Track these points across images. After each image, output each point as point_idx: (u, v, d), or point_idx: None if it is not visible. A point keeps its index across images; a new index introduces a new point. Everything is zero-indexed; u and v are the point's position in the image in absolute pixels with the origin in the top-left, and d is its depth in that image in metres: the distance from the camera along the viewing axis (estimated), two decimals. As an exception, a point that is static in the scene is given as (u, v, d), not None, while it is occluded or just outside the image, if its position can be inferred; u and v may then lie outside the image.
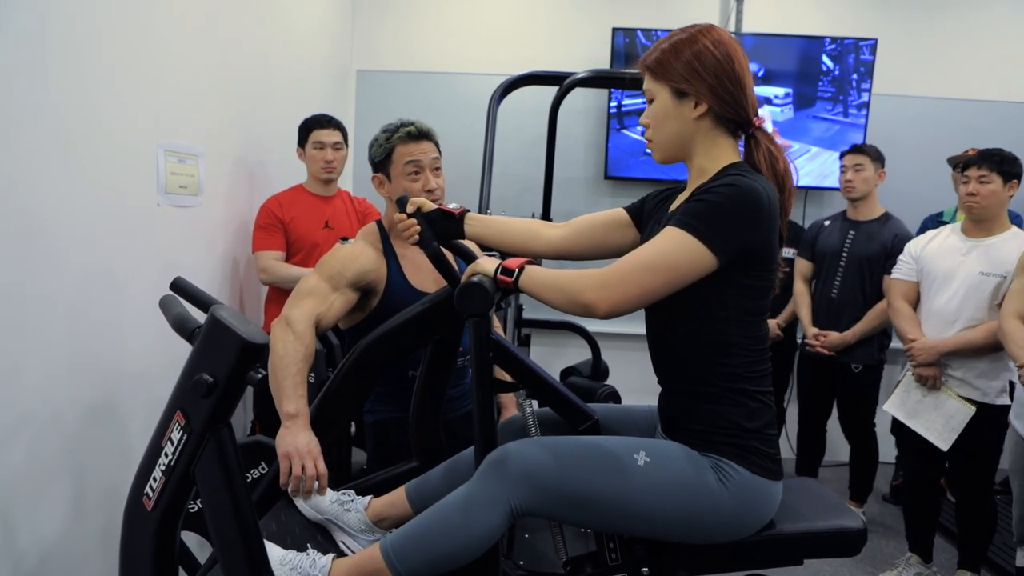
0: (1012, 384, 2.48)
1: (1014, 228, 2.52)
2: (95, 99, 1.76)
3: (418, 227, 1.47)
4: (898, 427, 2.73)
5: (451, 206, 1.50)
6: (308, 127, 2.75)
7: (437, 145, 1.89)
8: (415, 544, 1.23)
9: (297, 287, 1.70)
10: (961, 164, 2.57)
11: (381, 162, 1.86)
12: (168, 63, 2.08)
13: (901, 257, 2.75)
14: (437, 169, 1.86)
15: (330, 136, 2.73)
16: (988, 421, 2.46)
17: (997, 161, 2.45)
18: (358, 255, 1.76)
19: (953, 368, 2.52)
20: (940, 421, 2.50)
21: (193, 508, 1.57)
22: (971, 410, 2.44)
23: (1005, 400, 2.46)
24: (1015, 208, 3.28)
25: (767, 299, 1.31)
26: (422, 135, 1.84)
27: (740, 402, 1.27)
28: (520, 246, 1.52)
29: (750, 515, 1.27)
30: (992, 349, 2.41)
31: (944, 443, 2.48)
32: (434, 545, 1.22)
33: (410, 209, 1.48)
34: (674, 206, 1.37)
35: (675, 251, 1.20)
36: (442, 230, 1.48)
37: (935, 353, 2.51)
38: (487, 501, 1.22)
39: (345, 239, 2.62)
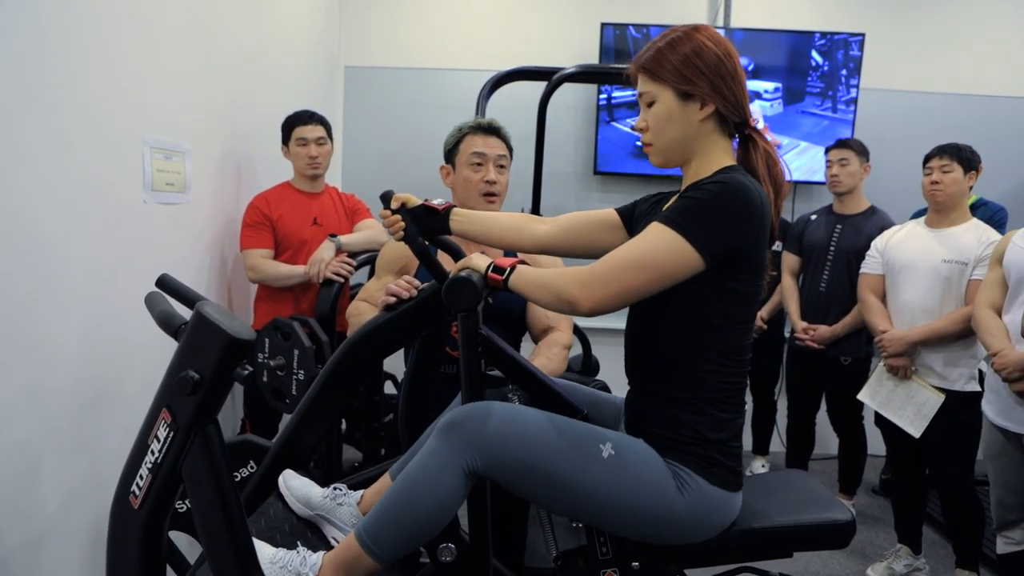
0: (981, 372, 2.53)
1: (974, 220, 2.61)
2: (80, 95, 1.74)
3: (403, 223, 1.46)
4: (882, 419, 2.76)
5: (436, 202, 1.48)
6: (290, 124, 2.73)
7: (508, 145, 1.99)
8: (384, 522, 1.22)
9: None
10: (924, 158, 2.67)
11: (449, 152, 1.98)
12: (154, 59, 2.06)
13: (869, 252, 2.83)
14: (502, 166, 1.95)
15: (313, 132, 2.70)
16: (958, 409, 2.50)
17: (957, 152, 2.57)
18: (395, 243, 1.81)
19: (921, 357, 2.58)
20: (912, 409, 2.58)
21: (182, 508, 1.56)
22: (941, 397, 2.51)
23: (974, 387, 2.51)
24: (1003, 202, 3.32)
25: (753, 307, 1.29)
26: (492, 130, 1.96)
27: (707, 412, 1.26)
28: (507, 242, 1.51)
29: (704, 522, 1.27)
30: (959, 337, 2.49)
31: (916, 431, 2.55)
32: (401, 518, 1.21)
33: (394, 205, 1.47)
34: (666, 207, 1.36)
35: (660, 249, 1.19)
36: (427, 226, 1.47)
37: (905, 343, 2.57)
38: (442, 462, 1.21)
39: (334, 236, 2.63)
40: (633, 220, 1.47)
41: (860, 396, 2.78)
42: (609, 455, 1.24)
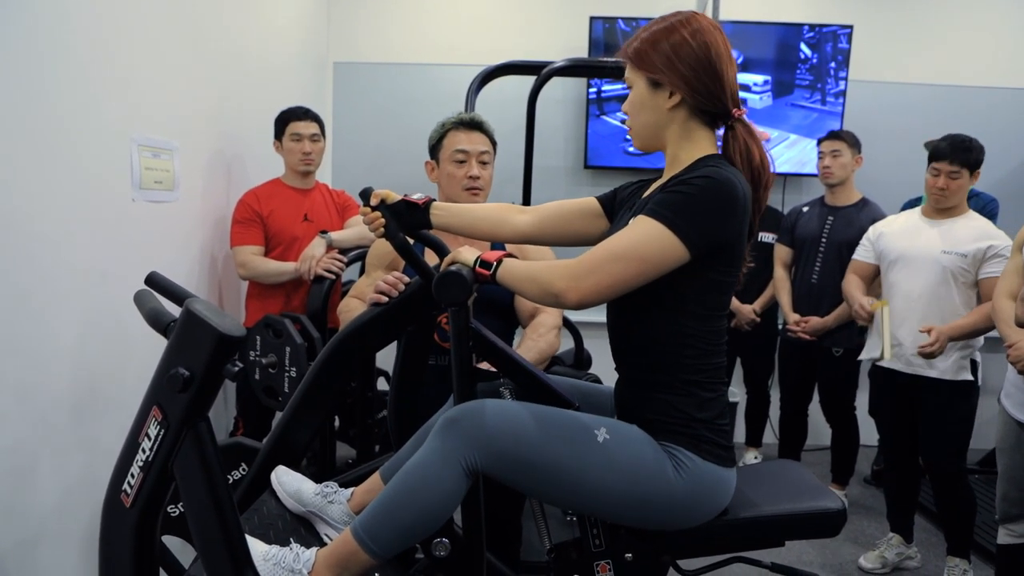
0: (974, 362, 2.52)
1: (971, 212, 2.60)
2: (67, 93, 1.73)
3: (383, 219, 1.45)
4: (875, 409, 2.77)
5: (416, 196, 1.48)
6: (285, 119, 2.72)
7: (491, 139, 2.01)
8: (381, 518, 1.22)
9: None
10: (929, 152, 2.62)
11: (433, 147, 2.00)
12: (141, 56, 2.05)
13: (861, 242, 2.83)
14: (484, 162, 1.98)
15: (307, 128, 2.70)
16: (952, 398, 2.50)
17: (967, 157, 2.49)
18: (384, 239, 1.80)
19: (909, 345, 2.52)
20: (875, 336, 2.64)
21: (175, 512, 1.55)
22: (884, 304, 2.59)
23: (966, 376, 2.50)
24: (991, 192, 3.34)
25: (728, 296, 1.32)
26: (474, 125, 1.98)
27: (692, 393, 1.28)
28: (487, 233, 1.52)
29: (703, 503, 1.28)
30: (987, 330, 2.40)
31: (885, 351, 2.55)
32: (398, 514, 1.21)
33: (374, 201, 1.46)
34: (647, 194, 1.37)
35: (647, 242, 1.19)
36: (408, 221, 1.46)
37: (945, 340, 2.41)
38: (441, 459, 1.21)
39: (325, 232, 2.62)
40: (614, 206, 1.47)
41: (861, 357, 2.85)
42: (604, 439, 1.25)
